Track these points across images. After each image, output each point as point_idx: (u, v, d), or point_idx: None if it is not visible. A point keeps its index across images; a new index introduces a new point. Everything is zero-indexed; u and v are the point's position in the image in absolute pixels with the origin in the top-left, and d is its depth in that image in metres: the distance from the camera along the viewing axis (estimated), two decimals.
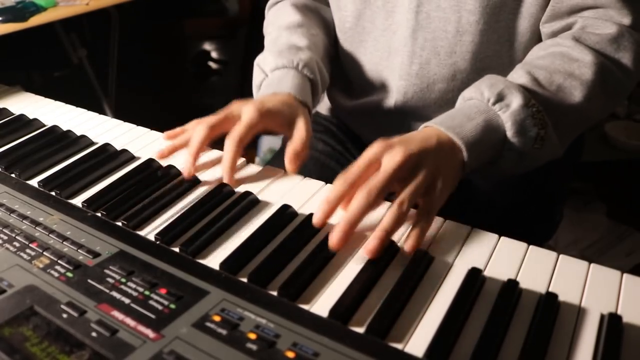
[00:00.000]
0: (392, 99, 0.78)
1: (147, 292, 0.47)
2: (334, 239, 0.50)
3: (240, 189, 0.62)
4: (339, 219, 0.51)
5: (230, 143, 0.62)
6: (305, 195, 0.61)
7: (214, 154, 0.69)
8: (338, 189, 0.52)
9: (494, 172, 0.62)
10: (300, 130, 0.66)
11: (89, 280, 0.48)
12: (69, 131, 0.76)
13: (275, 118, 0.66)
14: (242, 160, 0.67)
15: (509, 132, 0.58)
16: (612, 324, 0.43)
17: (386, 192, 0.51)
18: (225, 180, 0.62)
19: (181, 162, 0.68)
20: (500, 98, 0.58)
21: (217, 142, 0.66)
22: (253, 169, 0.66)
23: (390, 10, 0.74)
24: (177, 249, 0.53)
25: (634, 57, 0.63)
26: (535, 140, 0.59)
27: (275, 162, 0.86)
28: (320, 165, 0.86)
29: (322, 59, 0.79)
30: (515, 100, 0.58)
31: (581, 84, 0.61)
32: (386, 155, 0.52)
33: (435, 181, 0.53)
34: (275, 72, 0.74)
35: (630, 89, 0.67)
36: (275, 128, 0.67)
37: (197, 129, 0.64)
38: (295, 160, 0.63)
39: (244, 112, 0.64)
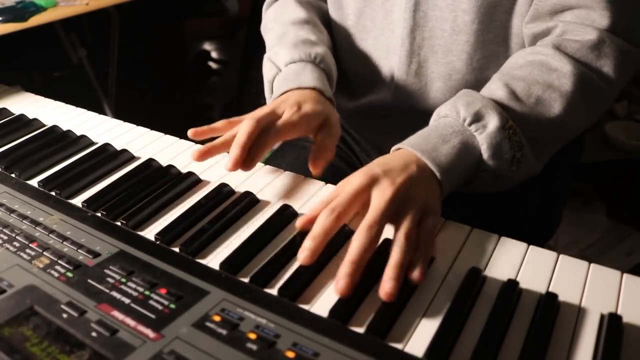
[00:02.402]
0: (391, 99, 0.78)
1: (147, 292, 0.47)
2: (343, 287, 0.45)
3: (240, 188, 0.62)
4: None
5: (267, 134, 0.61)
6: (305, 195, 0.61)
7: None
8: (324, 222, 0.48)
9: (469, 191, 0.61)
10: (333, 133, 0.65)
11: (89, 280, 0.48)
12: (69, 131, 0.76)
13: (311, 122, 0.64)
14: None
15: (485, 155, 0.56)
16: (612, 324, 0.43)
17: (384, 226, 0.49)
18: (232, 162, 0.58)
19: (182, 163, 0.68)
20: (476, 118, 0.56)
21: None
22: (253, 168, 0.66)
23: (389, 10, 0.74)
24: (177, 249, 0.53)
25: (615, 65, 0.61)
26: (512, 162, 0.57)
27: (273, 160, 0.86)
28: None
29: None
30: (492, 122, 0.56)
31: (561, 95, 0.59)
32: (375, 190, 0.50)
33: (427, 208, 0.51)
34: (291, 65, 0.72)
35: (612, 98, 0.65)
36: (307, 133, 0.65)
37: (243, 122, 0.61)
38: (322, 164, 0.63)
39: (286, 111, 0.63)
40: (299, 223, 0.52)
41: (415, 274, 0.47)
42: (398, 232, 0.49)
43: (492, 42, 0.69)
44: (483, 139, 0.56)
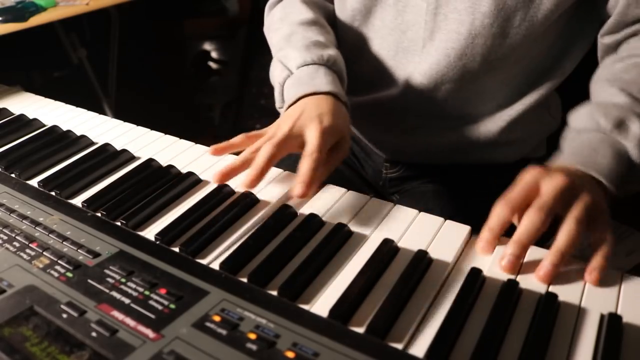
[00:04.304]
0: (397, 97, 0.78)
1: (147, 292, 0.47)
2: (508, 265, 0.48)
3: (240, 188, 0.62)
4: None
5: (310, 160, 0.58)
6: None
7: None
8: (499, 214, 0.51)
9: (619, 194, 0.60)
10: (344, 150, 0.64)
11: (89, 280, 0.48)
12: (69, 131, 0.76)
13: (334, 136, 0.63)
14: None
15: (634, 156, 0.58)
16: (612, 324, 0.43)
17: (553, 214, 0.50)
18: (298, 193, 0.56)
19: (182, 163, 0.68)
20: (618, 124, 0.58)
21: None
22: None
23: (401, 10, 0.73)
24: (177, 249, 0.53)
25: None
26: None
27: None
28: None
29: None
30: (634, 125, 0.58)
31: None
32: (545, 179, 0.51)
33: (598, 208, 0.52)
34: (303, 68, 0.70)
35: None
36: (330, 146, 0.63)
37: (264, 146, 0.59)
38: (318, 184, 0.61)
39: (309, 134, 0.61)
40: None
41: (592, 276, 0.48)
42: (566, 220, 0.50)
43: (507, 46, 0.69)
44: (630, 142, 0.58)
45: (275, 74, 0.74)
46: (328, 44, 0.74)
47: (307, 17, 0.78)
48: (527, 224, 0.49)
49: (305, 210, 0.58)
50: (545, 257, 0.48)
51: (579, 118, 0.62)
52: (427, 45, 0.72)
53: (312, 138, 0.60)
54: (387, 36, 0.76)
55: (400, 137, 0.82)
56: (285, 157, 0.85)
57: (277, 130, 0.62)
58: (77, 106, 0.85)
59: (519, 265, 0.49)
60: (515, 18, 0.67)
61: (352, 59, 0.83)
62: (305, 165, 0.58)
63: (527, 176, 0.53)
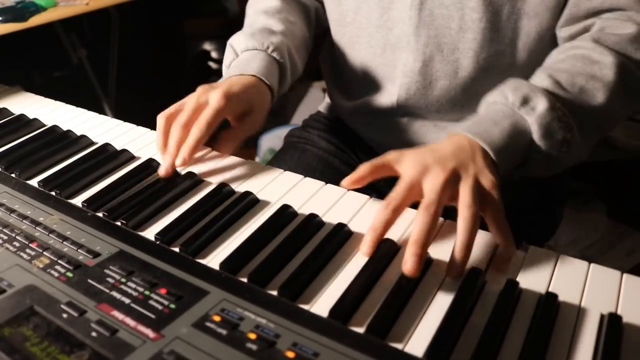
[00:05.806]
0: (394, 97, 0.78)
1: (147, 292, 0.47)
2: (411, 268, 0.46)
3: (240, 188, 0.62)
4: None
5: (196, 128, 0.63)
6: (305, 195, 0.61)
7: (214, 154, 0.69)
8: (382, 216, 0.51)
9: (521, 176, 0.61)
10: (249, 125, 0.69)
11: (89, 280, 0.48)
12: (69, 131, 0.76)
13: (241, 103, 0.67)
14: (240, 159, 0.68)
15: (535, 136, 0.57)
16: (612, 324, 0.43)
17: (442, 207, 0.50)
18: (177, 162, 0.63)
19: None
20: (525, 101, 0.58)
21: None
22: (253, 168, 0.66)
23: (386, 7, 0.74)
24: (177, 249, 0.53)
25: None
26: (562, 143, 0.58)
27: (275, 162, 0.86)
28: (324, 163, 0.86)
29: (297, 47, 0.80)
30: (541, 104, 0.57)
31: (603, 85, 0.61)
32: (426, 179, 0.52)
33: (482, 174, 0.52)
34: (245, 53, 0.75)
35: None
36: (238, 113, 0.68)
37: (172, 132, 0.64)
38: (231, 146, 0.67)
39: (211, 97, 0.65)
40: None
41: (500, 268, 0.50)
42: (459, 208, 0.50)
43: (499, 41, 0.69)
44: (533, 120, 0.57)
45: (226, 56, 0.78)
46: (278, 32, 0.77)
47: (273, 6, 0.82)
48: (419, 226, 0.48)
49: (305, 210, 0.58)
50: (451, 256, 0.48)
51: (491, 92, 0.61)
52: (411, 41, 0.73)
53: (211, 100, 0.65)
54: (374, 34, 0.77)
55: (397, 136, 0.82)
56: (288, 160, 0.86)
57: (185, 105, 0.66)
58: (77, 106, 0.85)
59: (421, 264, 0.47)
60: (503, 11, 0.68)
61: (344, 60, 0.83)
62: (194, 130, 0.63)
63: (407, 175, 0.52)
